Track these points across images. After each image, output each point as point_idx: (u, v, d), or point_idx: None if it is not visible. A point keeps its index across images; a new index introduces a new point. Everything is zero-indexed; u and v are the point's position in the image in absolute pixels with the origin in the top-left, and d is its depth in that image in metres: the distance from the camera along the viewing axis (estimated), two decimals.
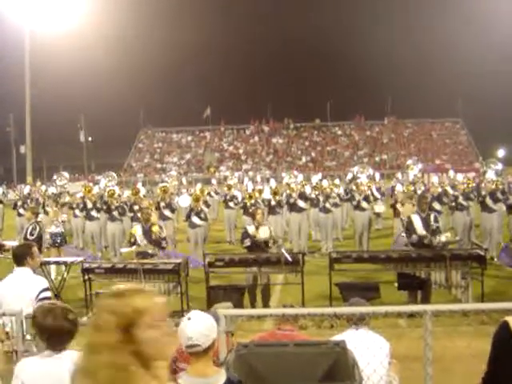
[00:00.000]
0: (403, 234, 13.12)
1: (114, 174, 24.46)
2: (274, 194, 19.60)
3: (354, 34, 78.98)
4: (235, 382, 3.92)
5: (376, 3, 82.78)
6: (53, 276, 13.72)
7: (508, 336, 3.23)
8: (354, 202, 18.83)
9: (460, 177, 24.84)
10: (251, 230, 12.18)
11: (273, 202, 19.39)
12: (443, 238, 11.64)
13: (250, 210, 16.26)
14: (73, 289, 13.20)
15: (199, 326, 3.94)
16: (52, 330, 4.09)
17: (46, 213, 21.04)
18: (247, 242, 12.12)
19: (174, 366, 4.66)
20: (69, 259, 12.95)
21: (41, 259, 11.95)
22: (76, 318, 4.22)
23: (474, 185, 21.22)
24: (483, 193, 17.75)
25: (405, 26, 78.22)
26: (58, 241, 16.31)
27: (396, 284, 12.36)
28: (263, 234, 12.07)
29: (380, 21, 79.34)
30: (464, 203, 17.98)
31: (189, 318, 3.95)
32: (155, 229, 12.20)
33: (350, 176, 27.30)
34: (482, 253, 11.32)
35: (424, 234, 11.58)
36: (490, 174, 21.72)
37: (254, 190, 22.54)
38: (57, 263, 13.36)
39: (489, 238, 16.90)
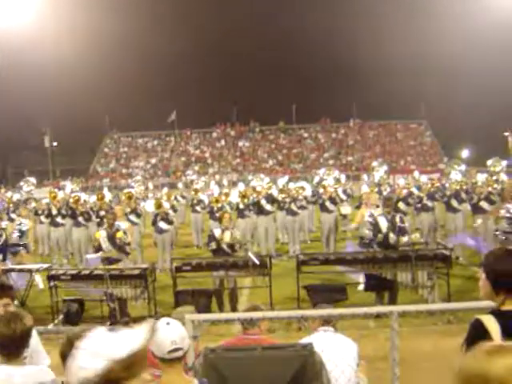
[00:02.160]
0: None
1: (79, 180, 24.26)
2: (243, 197, 19.57)
3: (317, 37, 79.19)
4: None
5: (341, 6, 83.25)
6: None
7: (483, 333, 3.26)
8: (320, 201, 18.94)
9: (424, 178, 25.09)
10: (217, 233, 12.20)
11: (241, 206, 19.37)
12: (406, 238, 11.77)
13: (217, 214, 16.24)
14: (38, 296, 13.07)
15: (180, 330, 3.94)
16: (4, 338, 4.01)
17: (11, 220, 20.83)
18: (213, 246, 12.16)
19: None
20: (34, 266, 12.80)
21: (5, 266, 11.88)
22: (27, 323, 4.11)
23: (438, 185, 21.46)
24: (448, 193, 17.95)
25: (369, 28, 78.75)
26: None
27: (360, 286, 12.47)
28: (228, 237, 12.10)
29: (344, 23, 79.77)
30: (429, 204, 18.15)
31: (168, 323, 3.93)
32: (119, 234, 12.14)
33: (317, 179, 27.37)
34: (448, 253, 11.45)
35: (386, 232, 11.69)
36: (454, 175, 21.95)
37: (220, 193, 22.53)
38: (21, 271, 13.19)
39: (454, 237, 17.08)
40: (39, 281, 14.05)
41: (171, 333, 3.87)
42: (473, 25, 59.19)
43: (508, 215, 14.25)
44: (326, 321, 5.68)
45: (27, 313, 4.31)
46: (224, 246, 12.10)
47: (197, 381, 3.94)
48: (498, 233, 13.82)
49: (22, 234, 16.43)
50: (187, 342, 3.95)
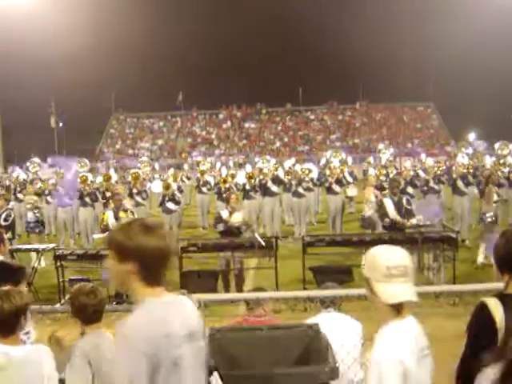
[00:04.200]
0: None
1: (87, 160, 24.29)
2: (250, 178, 19.57)
3: (324, 19, 78.80)
4: (211, 367, 3.92)
5: None
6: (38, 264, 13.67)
7: (488, 317, 3.26)
8: (327, 183, 18.96)
9: (430, 160, 25.06)
10: (225, 214, 12.18)
11: (247, 187, 19.37)
12: (414, 220, 11.76)
13: (225, 195, 16.26)
14: (45, 276, 13.12)
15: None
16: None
17: (18, 199, 20.92)
18: (220, 227, 12.14)
19: None
20: (41, 246, 12.85)
21: (11, 246, 11.92)
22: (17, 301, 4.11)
23: (444, 168, 21.43)
24: (454, 176, 17.91)
25: (375, 10, 78.31)
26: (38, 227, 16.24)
27: None
28: (236, 219, 12.08)
29: (350, 6, 79.37)
30: (435, 186, 18.13)
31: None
32: (123, 214, 12.17)
33: (323, 161, 27.35)
34: (454, 235, 11.44)
35: (396, 218, 11.69)
36: (461, 158, 21.93)
37: (227, 174, 22.51)
38: (28, 250, 13.23)
39: (460, 220, 17.06)
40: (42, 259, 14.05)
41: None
42: (481, 7, 58.75)
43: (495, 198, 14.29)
44: (332, 302, 5.70)
45: (21, 291, 4.33)
46: (231, 228, 12.10)
47: None
48: (487, 215, 13.83)
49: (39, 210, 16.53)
50: None
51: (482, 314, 3.31)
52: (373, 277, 3.05)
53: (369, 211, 14.08)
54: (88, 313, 4.49)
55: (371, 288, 3.07)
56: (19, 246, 12.95)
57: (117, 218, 12.20)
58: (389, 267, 2.99)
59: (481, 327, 3.30)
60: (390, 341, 2.94)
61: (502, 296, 3.37)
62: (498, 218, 14.20)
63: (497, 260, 3.51)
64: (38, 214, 16.34)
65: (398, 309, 3.01)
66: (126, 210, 12.46)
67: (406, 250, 3.15)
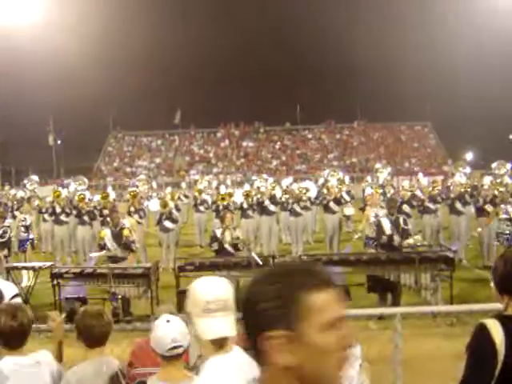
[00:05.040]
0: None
1: (85, 179, 24.31)
2: (247, 196, 19.55)
3: (322, 37, 79.17)
4: None
5: (346, 8, 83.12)
6: (25, 282, 13.55)
7: (487, 338, 3.25)
8: (324, 202, 18.96)
9: (425, 180, 25.11)
10: (219, 233, 12.21)
11: (245, 205, 19.36)
12: (411, 240, 11.76)
13: (221, 214, 16.25)
14: (42, 294, 13.07)
15: (180, 327, 3.93)
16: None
17: (15, 217, 20.88)
18: (215, 246, 12.16)
19: (131, 371, 4.61)
20: (37, 264, 12.80)
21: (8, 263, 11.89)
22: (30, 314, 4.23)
23: (439, 187, 21.45)
24: (452, 196, 17.90)
25: (373, 29, 78.64)
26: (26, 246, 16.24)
27: None
28: (230, 237, 12.10)
29: (348, 24, 79.68)
30: (431, 206, 18.09)
31: (168, 321, 3.93)
32: (126, 232, 12.16)
33: (322, 181, 27.36)
34: (451, 255, 11.43)
35: (390, 234, 11.68)
36: (458, 177, 21.96)
37: (225, 193, 22.48)
38: (25, 268, 13.19)
39: (457, 240, 17.05)
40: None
41: (172, 330, 3.87)
42: (478, 27, 59.13)
43: (506, 216, 14.30)
44: None
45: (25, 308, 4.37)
46: (226, 246, 12.10)
47: (196, 378, 3.95)
48: (504, 236, 13.84)
49: (27, 229, 16.52)
50: (188, 339, 3.95)
51: (482, 336, 3.30)
52: (193, 312, 3.04)
53: (370, 230, 14.11)
54: (94, 335, 4.41)
55: (192, 323, 3.04)
56: (16, 264, 12.90)
57: (114, 235, 12.19)
58: (207, 302, 2.97)
59: (480, 349, 3.28)
60: (207, 377, 2.89)
61: (501, 317, 3.36)
62: None
63: (496, 281, 3.51)
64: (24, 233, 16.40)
65: (220, 343, 2.99)
66: (124, 228, 12.44)
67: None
